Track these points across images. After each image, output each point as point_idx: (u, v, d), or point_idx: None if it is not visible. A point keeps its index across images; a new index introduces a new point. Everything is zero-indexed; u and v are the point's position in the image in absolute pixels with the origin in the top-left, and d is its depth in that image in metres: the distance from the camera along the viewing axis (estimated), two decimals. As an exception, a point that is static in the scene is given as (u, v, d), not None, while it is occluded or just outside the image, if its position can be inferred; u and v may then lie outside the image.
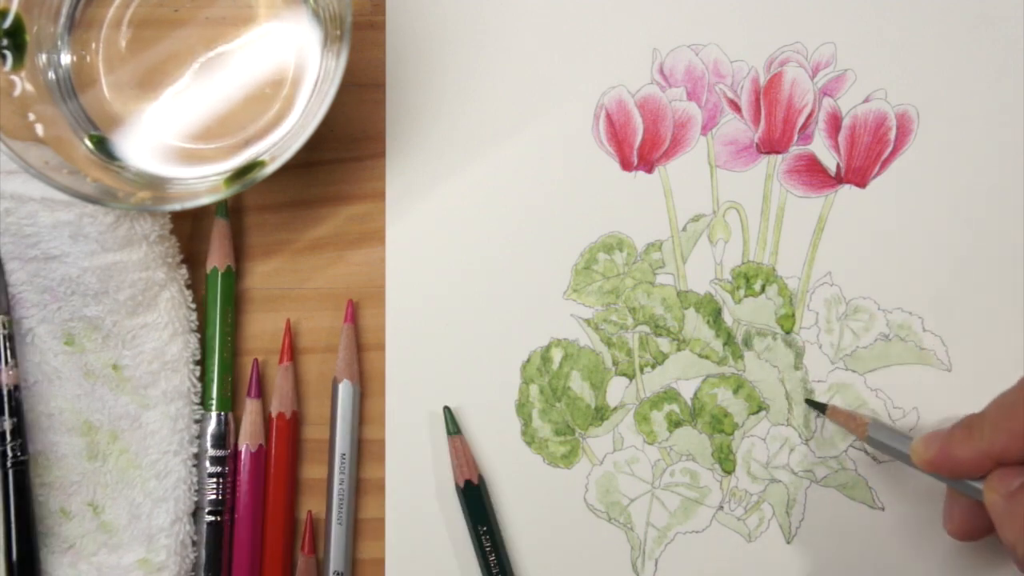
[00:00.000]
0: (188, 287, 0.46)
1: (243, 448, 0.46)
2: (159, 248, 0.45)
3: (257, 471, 0.46)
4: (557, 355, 0.48)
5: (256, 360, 0.47)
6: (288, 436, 0.46)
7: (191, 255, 0.48)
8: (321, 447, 0.47)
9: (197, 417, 0.46)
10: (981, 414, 0.40)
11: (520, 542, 0.47)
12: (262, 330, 0.48)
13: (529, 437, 0.47)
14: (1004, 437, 0.39)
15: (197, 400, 0.46)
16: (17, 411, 0.44)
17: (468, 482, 0.46)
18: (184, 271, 0.46)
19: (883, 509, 0.47)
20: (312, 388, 0.48)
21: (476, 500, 0.46)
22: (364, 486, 0.47)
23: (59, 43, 0.45)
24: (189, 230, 0.48)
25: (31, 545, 0.44)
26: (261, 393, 0.47)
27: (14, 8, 0.44)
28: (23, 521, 0.44)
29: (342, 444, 0.46)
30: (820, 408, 0.47)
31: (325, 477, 0.47)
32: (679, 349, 0.48)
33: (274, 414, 0.46)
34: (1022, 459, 0.39)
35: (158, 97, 0.46)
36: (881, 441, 0.44)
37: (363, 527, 0.47)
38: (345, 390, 0.46)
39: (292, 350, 0.47)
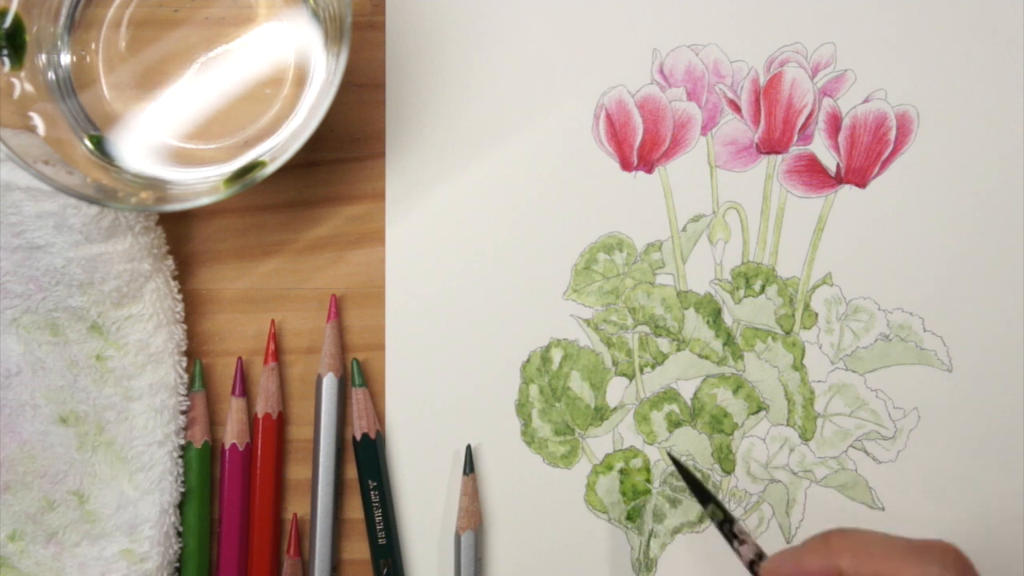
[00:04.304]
0: (174, 278, 0.46)
1: (228, 447, 0.46)
2: (144, 239, 0.44)
3: (244, 469, 0.46)
4: (557, 355, 0.48)
5: (240, 359, 0.47)
6: (274, 437, 0.46)
7: (182, 256, 0.48)
8: (307, 447, 0.47)
9: (183, 408, 0.46)
10: None
11: (519, 542, 0.47)
12: (262, 330, 0.48)
13: (529, 437, 0.47)
14: None
15: (183, 391, 0.46)
16: None
17: (365, 435, 0.46)
18: (170, 262, 0.46)
19: (883, 509, 0.47)
20: (307, 388, 0.48)
21: (371, 455, 0.46)
22: (350, 486, 0.47)
23: (59, 43, 0.45)
24: (181, 230, 0.48)
25: None
26: (245, 391, 0.47)
27: (13, 8, 0.44)
28: None
29: (327, 441, 0.46)
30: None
31: (309, 478, 0.47)
32: (679, 349, 0.48)
33: (260, 415, 0.46)
34: None
35: (158, 97, 0.46)
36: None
37: (350, 527, 0.47)
38: (329, 384, 0.46)
39: (277, 351, 0.47)
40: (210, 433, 0.47)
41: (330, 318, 0.47)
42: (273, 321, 0.47)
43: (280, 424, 0.47)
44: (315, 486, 0.46)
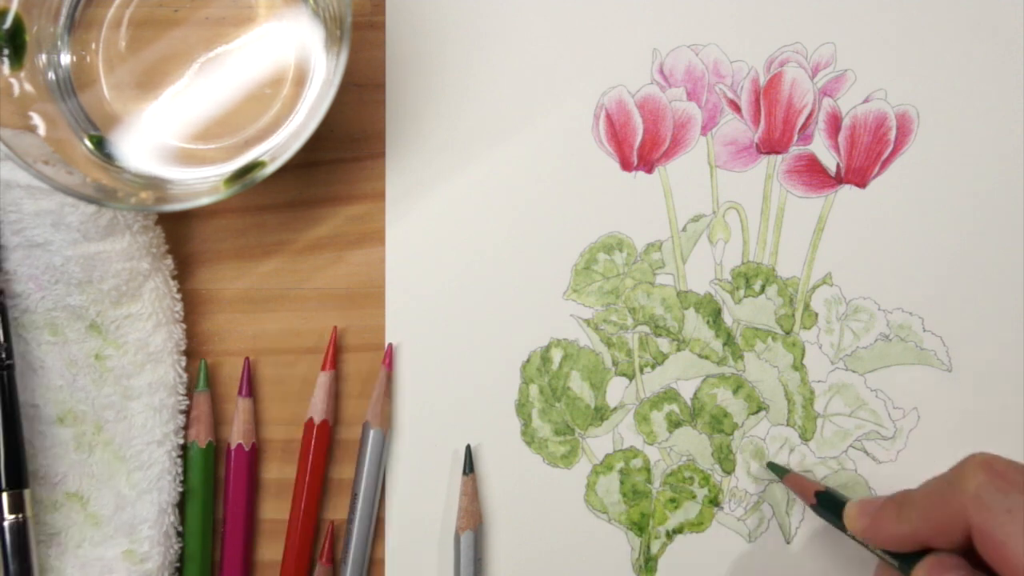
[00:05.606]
0: (173, 277, 0.46)
1: (234, 447, 0.46)
2: (143, 238, 0.44)
3: (249, 470, 0.46)
4: (557, 355, 0.48)
5: (247, 359, 0.47)
6: (326, 442, 0.46)
7: (181, 256, 0.48)
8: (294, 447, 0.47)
9: (182, 407, 0.46)
10: (911, 496, 0.39)
11: (519, 542, 0.47)
12: (262, 330, 0.48)
13: (529, 437, 0.47)
14: (928, 526, 0.38)
15: (182, 391, 0.46)
16: (2, 314, 0.43)
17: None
18: (169, 261, 0.46)
19: (883, 509, 0.47)
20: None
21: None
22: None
23: (59, 43, 0.45)
24: (181, 230, 0.48)
25: (17, 444, 0.43)
26: (252, 392, 0.47)
27: (14, 8, 0.44)
28: (10, 424, 0.43)
29: (368, 487, 0.46)
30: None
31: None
32: (679, 349, 0.48)
33: (317, 421, 0.46)
34: (946, 547, 0.38)
35: (158, 97, 0.46)
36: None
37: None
38: (376, 438, 0.46)
39: (335, 358, 0.47)
40: (213, 433, 0.47)
41: (385, 364, 0.47)
42: (335, 328, 0.47)
43: (327, 430, 0.47)
44: (350, 528, 0.46)
